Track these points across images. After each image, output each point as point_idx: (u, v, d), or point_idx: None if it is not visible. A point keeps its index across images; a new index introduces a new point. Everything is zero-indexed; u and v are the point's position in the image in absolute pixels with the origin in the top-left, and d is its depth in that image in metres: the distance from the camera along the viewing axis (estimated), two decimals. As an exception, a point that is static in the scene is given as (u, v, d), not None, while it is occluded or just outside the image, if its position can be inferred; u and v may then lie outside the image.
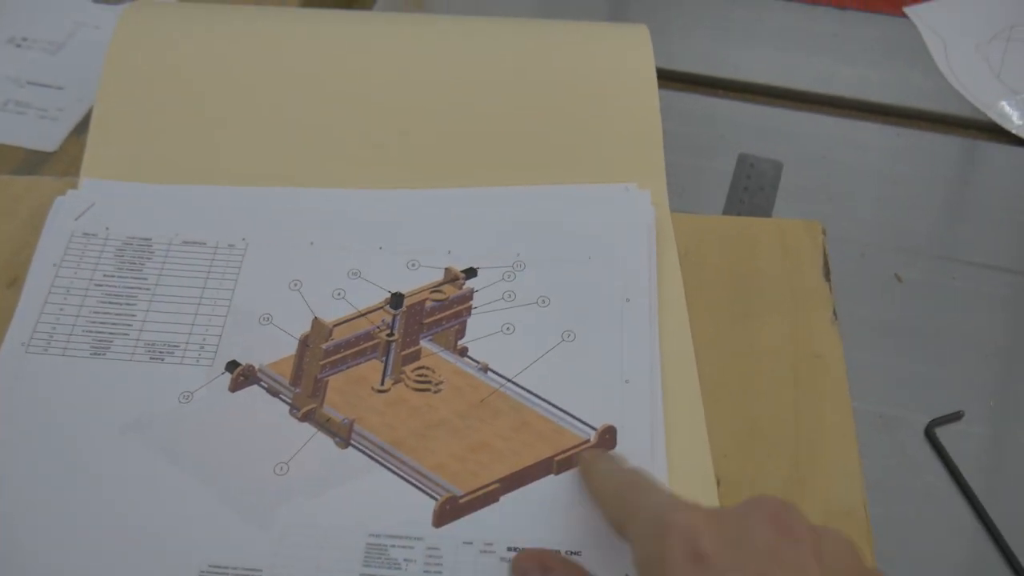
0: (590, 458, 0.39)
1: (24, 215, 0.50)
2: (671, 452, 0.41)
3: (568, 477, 0.40)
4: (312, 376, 0.43)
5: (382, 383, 0.43)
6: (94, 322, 0.45)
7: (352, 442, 0.41)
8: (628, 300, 0.45)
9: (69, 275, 0.46)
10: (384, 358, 0.44)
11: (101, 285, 0.46)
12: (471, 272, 0.46)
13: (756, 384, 0.44)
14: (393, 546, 0.38)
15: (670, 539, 0.30)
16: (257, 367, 0.43)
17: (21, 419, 0.41)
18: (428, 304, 0.45)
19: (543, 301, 0.46)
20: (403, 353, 0.44)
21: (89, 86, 0.62)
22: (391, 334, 0.45)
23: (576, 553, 0.38)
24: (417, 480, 0.40)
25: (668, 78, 0.62)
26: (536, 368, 0.43)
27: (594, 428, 0.41)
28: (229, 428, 0.42)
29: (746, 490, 0.41)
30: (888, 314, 0.51)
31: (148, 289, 0.46)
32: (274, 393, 0.43)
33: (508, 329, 0.45)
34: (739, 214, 0.55)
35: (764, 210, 0.55)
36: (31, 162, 0.57)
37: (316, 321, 0.45)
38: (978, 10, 0.66)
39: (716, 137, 0.59)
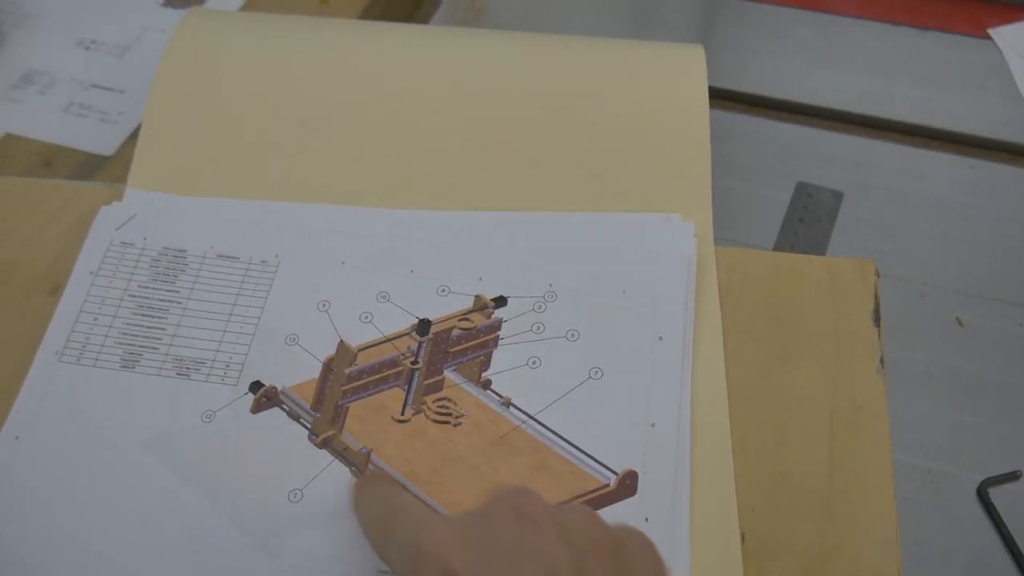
0: (358, 485, 0.37)
1: (70, 222, 0.51)
2: (695, 502, 0.39)
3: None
4: (333, 401, 0.43)
5: (402, 412, 0.43)
6: (126, 334, 0.45)
7: (368, 472, 0.41)
8: (661, 338, 0.44)
9: (105, 284, 0.47)
10: (406, 386, 0.43)
11: (135, 296, 0.46)
12: (501, 301, 0.45)
13: (790, 435, 0.42)
14: (399, 584, 0.38)
15: (421, 564, 0.31)
16: (280, 389, 0.43)
17: (48, 427, 0.42)
18: (455, 332, 0.44)
19: (572, 335, 0.44)
20: (426, 383, 0.43)
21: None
22: (415, 362, 0.44)
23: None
24: (428, 517, 0.39)
25: (729, 99, 0.60)
26: (560, 405, 0.42)
27: (615, 472, 0.40)
28: (247, 451, 0.41)
29: (772, 548, 0.39)
30: (945, 360, 0.48)
31: (180, 303, 0.46)
32: (294, 417, 0.42)
33: (534, 363, 0.44)
34: (792, 246, 0.52)
35: (819, 242, 0.52)
36: (90, 165, 0.58)
37: (341, 344, 0.44)
38: (1069, 33, 0.62)
39: (775, 163, 0.57)
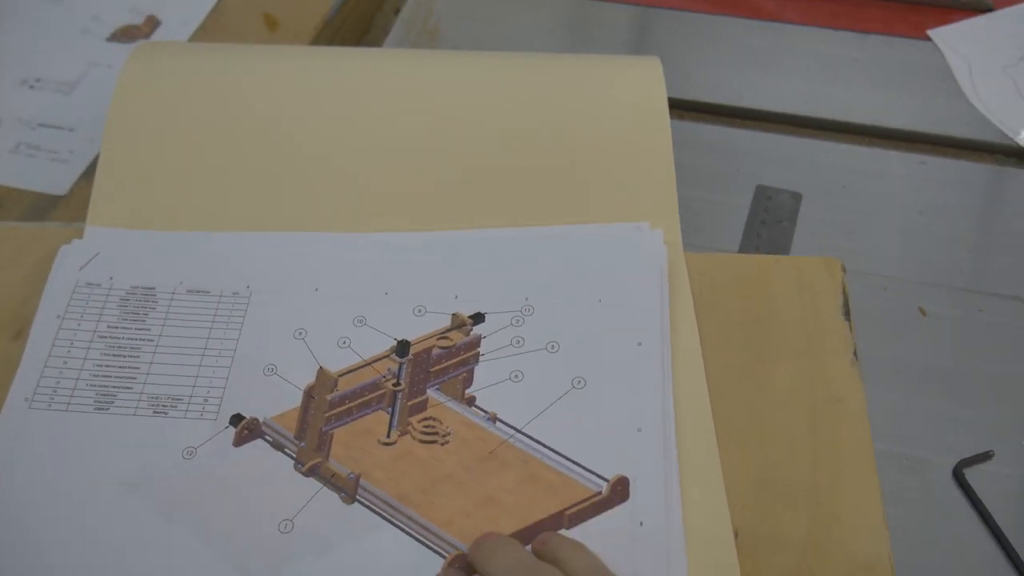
0: (488, 548, 0.38)
1: (30, 265, 0.50)
2: (686, 503, 0.40)
3: (581, 531, 0.39)
4: (317, 429, 0.42)
5: (388, 435, 0.42)
6: (97, 376, 0.44)
7: (358, 497, 0.40)
8: (640, 344, 0.44)
9: (73, 327, 0.46)
10: (390, 409, 0.43)
11: (105, 337, 0.45)
12: (479, 318, 0.45)
13: (772, 431, 0.43)
14: (399, 608, 0.37)
15: None
16: (261, 420, 0.43)
17: (23, 476, 0.41)
18: (435, 351, 0.44)
19: (552, 347, 0.44)
20: (410, 403, 0.43)
21: (101, 128, 0.61)
22: (397, 383, 0.44)
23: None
24: (425, 537, 0.39)
25: (684, 108, 0.61)
26: (546, 417, 0.42)
27: (606, 479, 0.40)
28: (233, 485, 0.41)
29: (766, 542, 0.39)
30: (912, 350, 0.49)
31: (152, 340, 0.45)
32: (279, 447, 0.42)
33: (517, 376, 0.44)
34: (757, 248, 0.53)
35: (782, 244, 0.53)
36: (41, 206, 0.57)
37: (321, 371, 0.44)
38: (1005, 31, 0.64)
39: (733, 169, 0.58)
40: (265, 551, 0.39)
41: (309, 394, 0.43)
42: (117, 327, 0.46)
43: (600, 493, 0.40)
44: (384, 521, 0.40)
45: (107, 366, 0.44)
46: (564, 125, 0.51)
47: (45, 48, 0.66)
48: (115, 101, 0.53)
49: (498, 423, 0.42)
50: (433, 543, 0.39)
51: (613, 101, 0.52)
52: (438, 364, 0.44)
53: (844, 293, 0.47)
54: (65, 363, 0.44)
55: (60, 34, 0.67)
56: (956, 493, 0.45)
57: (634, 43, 0.67)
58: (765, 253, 0.53)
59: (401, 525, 0.40)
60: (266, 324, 0.46)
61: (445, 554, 0.38)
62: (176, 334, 0.45)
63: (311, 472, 0.41)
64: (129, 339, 0.45)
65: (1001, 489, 0.45)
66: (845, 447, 0.42)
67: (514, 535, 0.39)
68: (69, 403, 0.43)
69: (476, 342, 0.45)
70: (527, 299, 0.46)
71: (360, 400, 0.43)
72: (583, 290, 0.46)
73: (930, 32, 0.64)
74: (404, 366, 0.44)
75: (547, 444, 0.42)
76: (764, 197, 0.56)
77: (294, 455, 0.42)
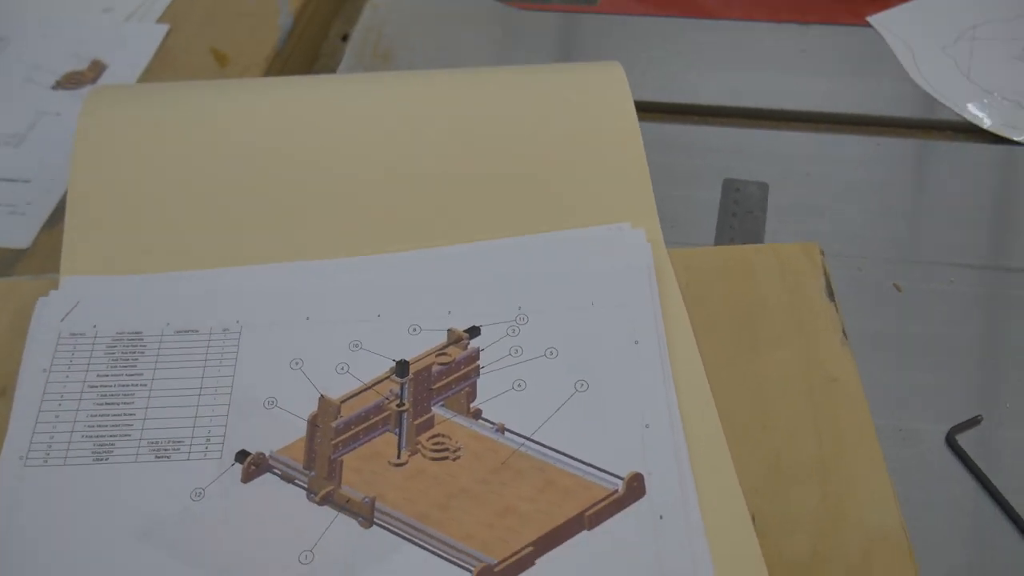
0: None
1: (5, 321, 0.48)
2: (701, 492, 0.40)
3: (602, 530, 0.39)
4: (326, 457, 0.42)
5: (398, 456, 0.42)
6: (92, 426, 0.43)
7: (376, 520, 0.40)
8: (637, 342, 0.45)
9: (61, 379, 0.45)
10: (397, 430, 0.43)
11: (96, 386, 0.44)
12: (474, 331, 0.46)
13: (774, 415, 0.43)
14: (431, 626, 0.37)
15: None
16: (268, 454, 0.42)
17: (26, 535, 0.40)
18: (435, 368, 0.44)
19: (551, 352, 0.45)
20: (416, 422, 0.43)
21: (57, 176, 0.60)
22: (401, 403, 0.44)
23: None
24: (448, 553, 0.39)
25: (643, 109, 0.61)
26: (553, 422, 0.43)
27: (620, 477, 0.41)
28: (247, 521, 0.40)
29: (782, 524, 0.40)
30: (891, 325, 0.51)
31: (145, 385, 0.44)
32: (289, 479, 0.41)
33: (519, 385, 0.44)
34: (731, 240, 0.54)
35: (756, 233, 0.55)
36: (5, 260, 0.55)
37: (323, 399, 0.43)
38: (940, 13, 0.67)
39: (698, 165, 0.59)
40: (289, 585, 0.38)
41: (313, 423, 0.43)
42: (107, 375, 0.45)
43: (617, 491, 0.40)
44: (405, 541, 0.39)
45: (102, 415, 0.43)
46: (536, 134, 0.51)
47: (-12, 101, 0.65)
48: (77, 148, 0.52)
49: (507, 433, 0.42)
50: (457, 558, 0.39)
51: (581, 107, 0.52)
52: (439, 380, 0.44)
53: (826, 275, 0.48)
54: (57, 416, 0.43)
55: (2, 86, 0.66)
56: (951, 459, 0.46)
57: (586, 51, 0.68)
58: (741, 243, 0.54)
59: (422, 543, 0.39)
60: (261, 358, 0.45)
61: (470, 568, 0.38)
62: (169, 376, 0.44)
63: (325, 500, 0.41)
64: (121, 386, 0.44)
65: (993, 451, 0.46)
66: (846, 424, 0.43)
67: (536, 542, 0.39)
68: (66, 457, 0.42)
69: (475, 355, 0.45)
70: (520, 308, 0.46)
71: (366, 424, 0.43)
72: (575, 294, 0.46)
73: (870, 18, 0.67)
74: (406, 386, 0.44)
75: (558, 449, 0.42)
76: (732, 190, 0.57)
77: (305, 485, 0.41)
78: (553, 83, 0.54)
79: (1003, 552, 0.43)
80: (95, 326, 0.46)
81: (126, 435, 0.43)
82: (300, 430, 0.43)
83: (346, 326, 0.46)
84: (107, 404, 0.44)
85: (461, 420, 0.43)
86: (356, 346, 0.45)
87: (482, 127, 0.52)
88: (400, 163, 0.51)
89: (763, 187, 0.57)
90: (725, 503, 0.40)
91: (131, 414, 0.43)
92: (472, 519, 0.40)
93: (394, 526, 0.40)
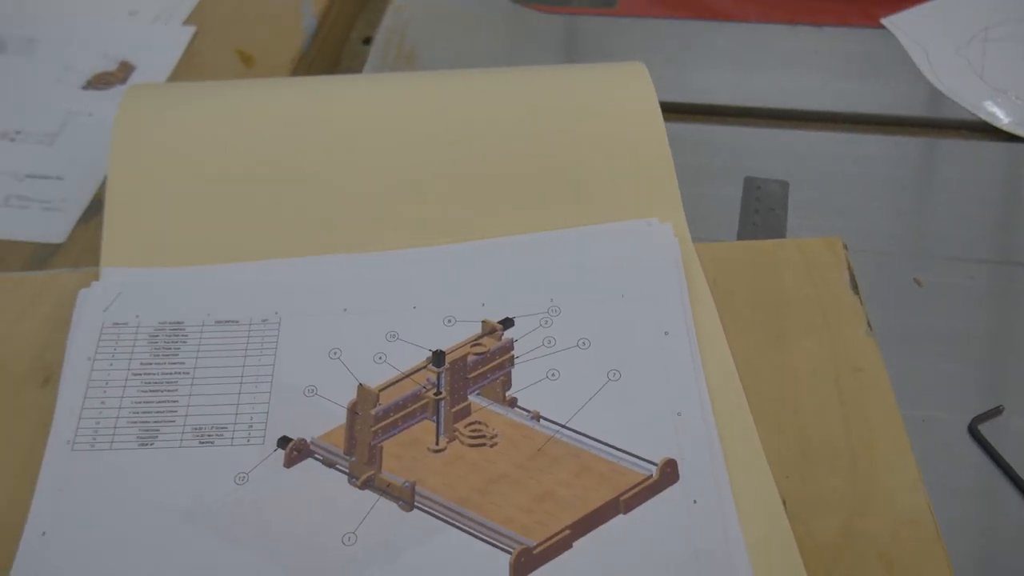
0: None
1: (45, 312, 0.49)
2: (733, 477, 0.41)
3: (638, 514, 0.40)
4: (366, 443, 0.43)
5: (437, 442, 0.43)
6: (137, 412, 0.44)
7: (416, 504, 0.41)
8: (667, 333, 0.46)
9: (105, 367, 0.46)
10: (435, 417, 0.44)
11: (139, 374, 0.45)
12: (508, 322, 0.47)
13: (802, 404, 0.44)
14: (474, 605, 0.38)
15: None
16: (309, 440, 0.43)
17: (75, 518, 0.41)
18: (470, 359, 0.45)
19: (583, 343, 0.46)
20: (453, 410, 0.44)
21: (89, 174, 0.61)
22: (438, 392, 0.45)
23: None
24: (488, 536, 0.40)
25: (664, 109, 0.63)
26: (587, 410, 0.44)
27: (654, 463, 0.42)
28: (290, 504, 0.41)
29: (812, 508, 0.41)
30: (913, 318, 0.52)
31: (187, 373, 0.45)
32: (330, 464, 0.43)
33: (553, 375, 0.45)
34: (754, 236, 0.55)
35: (777, 230, 0.56)
36: (40, 255, 0.56)
37: (361, 387, 0.45)
38: (952, 15, 0.68)
39: (719, 163, 0.60)
40: (332, 564, 0.39)
41: (353, 411, 0.44)
42: (151, 363, 0.46)
43: (651, 477, 0.41)
44: (446, 524, 0.40)
45: (146, 402, 0.44)
46: (565, 133, 0.53)
47: (21, 101, 0.66)
48: (115, 144, 0.53)
49: (542, 421, 0.44)
50: (497, 541, 0.40)
51: (608, 106, 0.54)
52: (475, 370, 0.45)
53: (849, 269, 0.49)
54: (103, 403, 0.44)
55: (34, 87, 0.67)
56: (973, 448, 0.47)
57: (605, 52, 0.69)
58: (764, 239, 0.55)
59: (463, 526, 0.40)
60: (300, 347, 0.46)
61: (510, 550, 0.39)
62: (211, 364, 0.46)
63: (366, 484, 0.42)
64: (164, 374, 0.45)
65: (1015, 440, 0.47)
66: (872, 411, 0.44)
67: (574, 525, 0.40)
68: (112, 441, 0.43)
69: (509, 346, 0.46)
70: (552, 300, 0.47)
71: (404, 411, 0.44)
72: (605, 287, 0.48)
73: (884, 20, 0.68)
74: (443, 375, 0.45)
75: (592, 436, 0.43)
76: (753, 187, 0.58)
77: (346, 470, 0.42)
78: (581, 83, 0.55)
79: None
80: (137, 316, 0.47)
81: (170, 421, 0.44)
82: (340, 417, 0.44)
83: (383, 317, 0.47)
84: (151, 391, 0.45)
85: (497, 408, 0.44)
86: (393, 336, 0.46)
87: (512, 126, 0.53)
88: (434, 160, 0.52)
89: (784, 185, 0.58)
90: (756, 487, 0.41)
91: (175, 401, 0.44)
92: (511, 503, 0.41)
93: (435, 510, 0.41)
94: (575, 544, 0.40)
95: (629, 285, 0.47)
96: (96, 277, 0.50)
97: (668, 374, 0.44)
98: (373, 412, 0.44)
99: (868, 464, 0.42)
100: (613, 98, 0.54)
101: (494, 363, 0.45)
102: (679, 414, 0.43)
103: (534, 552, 0.39)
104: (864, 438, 0.43)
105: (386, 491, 0.42)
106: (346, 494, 0.42)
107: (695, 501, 0.41)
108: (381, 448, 0.43)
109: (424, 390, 0.45)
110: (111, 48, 0.70)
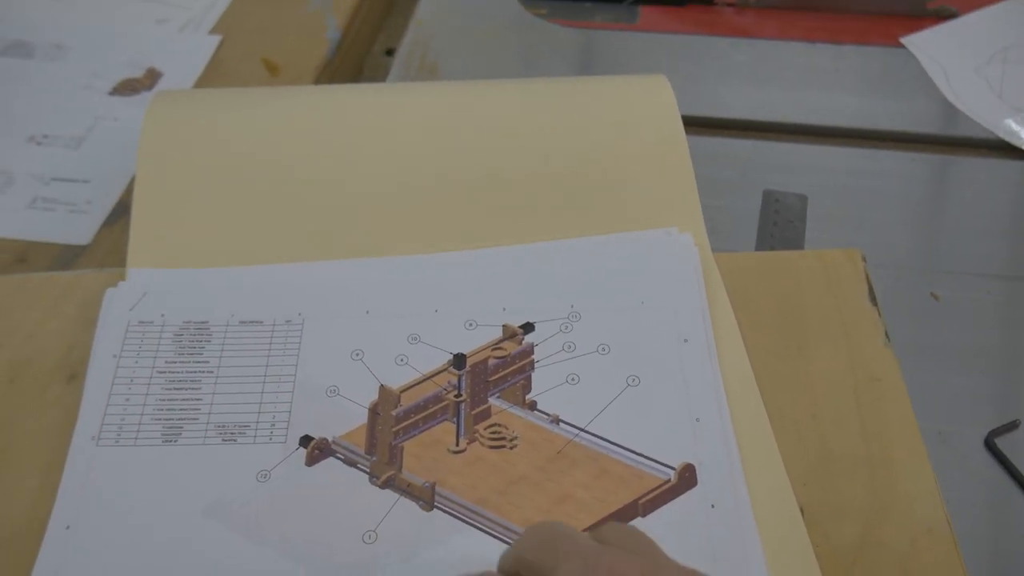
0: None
1: (72, 311, 0.50)
2: (751, 483, 0.42)
3: (656, 517, 0.41)
4: (387, 443, 0.43)
5: (457, 444, 0.44)
6: (161, 409, 0.45)
7: (436, 504, 0.41)
8: (686, 341, 0.46)
9: (130, 364, 0.46)
10: (455, 419, 0.44)
11: (164, 372, 0.46)
12: (528, 327, 0.47)
13: (820, 413, 0.45)
14: (492, 605, 0.38)
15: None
16: (331, 439, 0.44)
17: (99, 512, 0.41)
18: (491, 362, 0.46)
19: (603, 349, 0.46)
20: (473, 412, 0.45)
21: (114, 177, 0.62)
22: (459, 395, 0.45)
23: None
24: (508, 537, 0.40)
25: (685, 122, 0.64)
26: (606, 415, 0.44)
27: (673, 468, 0.42)
28: (311, 502, 0.42)
29: (830, 516, 0.41)
30: (930, 333, 0.52)
31: (211, 372, 0.46)
32: (351, 463, 0.43)
33: (573, 379, 0.45)
34: (772, 247, 0.56)
35: (796, 242, 0.56)
36: (66, 257, 0.57)
37: (383, 389, 0.45)
38: (971, 35, 0.69)
39: (738, 176, 0.61)
40: (353, 562, 0.40)
41: (374, 411, 0.44)
42: (175, 362, 0.46)
43: (670, 481, 0.42)
44: (466, 524, 0.41)
45: (170, 400, 0.45)
46: (589, 143, 0.53)
47: (49, 106, 0.67)
48: (143, 148, 0.54)
49: (561, 424, 0.44)
50: (516, 542, 0.40)
51: (631, 117, 0.54)
52: (496, 373, 0.46)
53: (868, 281, 0.49)
54: (127, 400, 0.45)
55: (62, 92, 0.68)
56: (990, 461, 0.47)
57: (627, 66, 0.70)
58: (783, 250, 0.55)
59: (482, 527, 0.41)
60: (322, 348, 0.47)
61: (529, 551, 0.40)
62: (234, 363, 0.46)
63: (387, 484, 0.42)
64: (189, 372, 0.46)
65: (1030, 454, 0.47)
66: (890, 421, 0.44)
67: (593, 527, 0.40)
68: (137, 438, 0.44)
69: (529, 350, 0.46)
70: (572, 306, 0.48)
71: (425, 413, 0.44)
72: (626, 294, 0.48)
73: (903, 39, 0.69)
74: (463, 378, 0.46)
75: (611, 440, 0.43)
76: (772, 200, 0.59)
77: (367, 470, 0.43)
78: (604, 94, 0.55)
79: (1042, 550, 0.44)
80: (163, 315, 0.48)
81: (194, 419, 0.44)
82: (361, 417, 0.44)
83: (405, 320, 0.48)
84: (175, 389, 0.45)
85: (517, 411, 0.45)
86: (415, 339, 0.47)
87: (536, 135, 0.54)
88: (458, 167, 0.53)
89: (803, 198, 0.59)
90: (774, 492, 0.42)
91: (198, 399, 0.45)
92: (531, 505, 0.41)
93: (455, 510, 0.41)
94: (593, 546, 0.40)
95: (649, 292, 0.48)
96: (122, 277, 0.51)
97: (687, 380, 0.45)
98: (394, 413, 0.44)
99: (886, 473, 0.43)
100: (635, 109, 0.55)
101: (514, 367, 0.46)
102: (698, 420, 0.43)
103: (553, 553, 0.39)
104: (882, 447, 0.43)
105: (406, 491, 0.42)
106: (367, 493, 0.42)
107: (713, 506, 0.41)
108: (402, 448, 0.43)
109: (445, 392, 0.45)
110: (138, 55, 0.71)
